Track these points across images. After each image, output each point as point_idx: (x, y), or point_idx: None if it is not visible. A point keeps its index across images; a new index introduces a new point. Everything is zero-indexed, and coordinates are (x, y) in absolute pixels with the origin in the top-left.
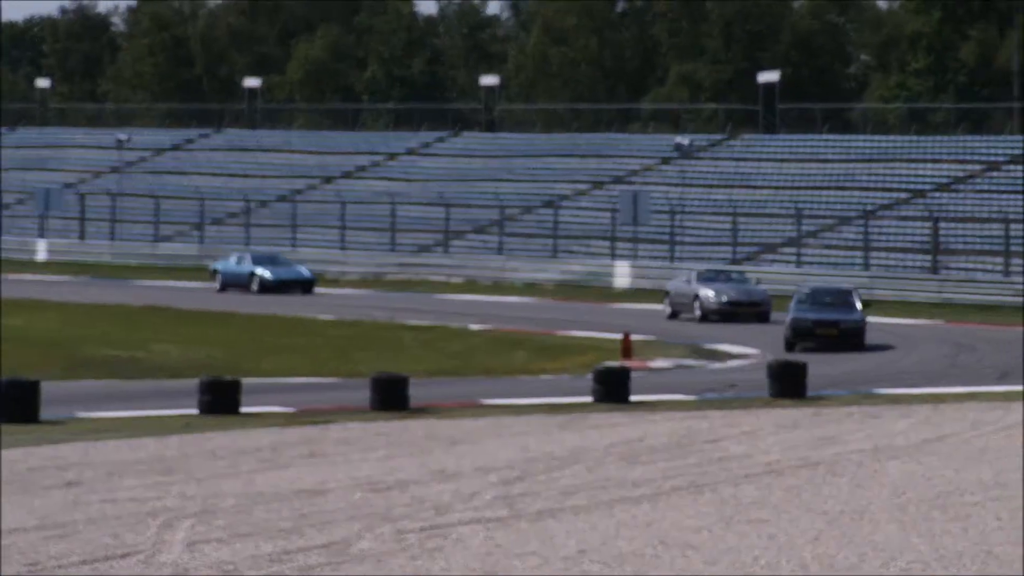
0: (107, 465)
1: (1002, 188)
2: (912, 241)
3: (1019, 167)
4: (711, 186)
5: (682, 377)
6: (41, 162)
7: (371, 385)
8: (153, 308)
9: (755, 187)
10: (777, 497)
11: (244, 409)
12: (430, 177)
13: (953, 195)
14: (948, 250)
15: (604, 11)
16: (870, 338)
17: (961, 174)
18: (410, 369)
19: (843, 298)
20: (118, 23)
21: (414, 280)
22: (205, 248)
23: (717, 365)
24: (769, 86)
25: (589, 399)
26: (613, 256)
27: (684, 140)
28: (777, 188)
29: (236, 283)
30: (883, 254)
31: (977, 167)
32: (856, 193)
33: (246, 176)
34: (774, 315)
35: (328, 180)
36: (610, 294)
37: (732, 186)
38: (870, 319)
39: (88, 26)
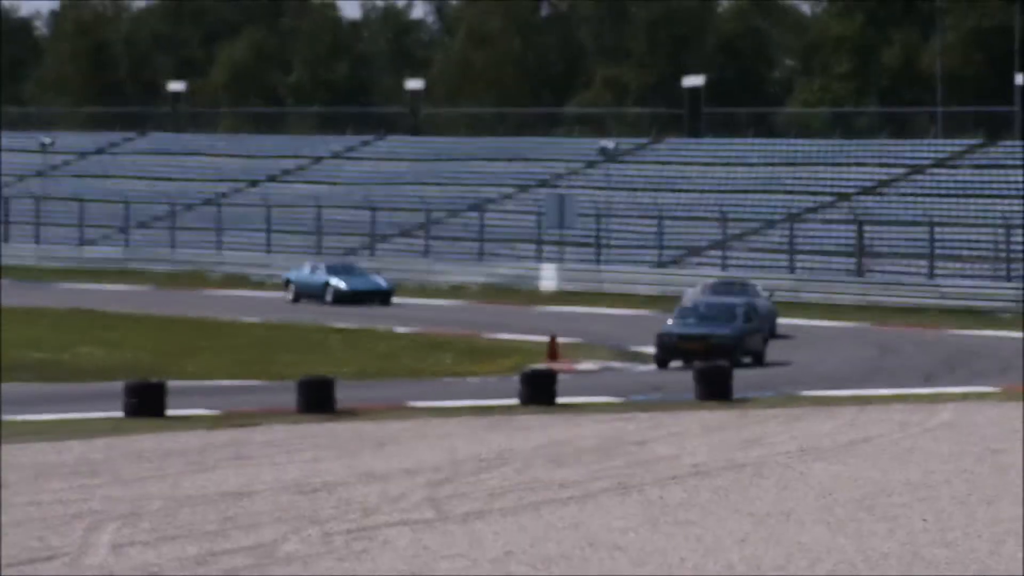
0: (32, 467)
1: (926, 191)
2: (837, 244)
3: (942, 170)
4: (636, 189)
5: (608, 379)
6: None
7: (297, 387)
8: (78, 311)
9: (680, 191)
10: (704, 498)
11: (170, 412)
12: (355, 180)
13: (877, 198)
14: (873, 253)
15: (528, 14)
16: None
17: (885, 177)
18: (336, 371)
19: (726, 310)
20: (41, 27)
21: None
22: (130, 251)
23: (643, 368)
24: (694, 90)
25: (516, 401)
26: (539, 259)
27: (609, 144)
28: (702, 191)
29: (310, 294)
30: (808, 257)
31: (901, 171)
32: (781, 196)
33: (171, 179)
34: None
35: (253, 183)
36: (536, 297)
37: (657, 189)
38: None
39: (10, 29)
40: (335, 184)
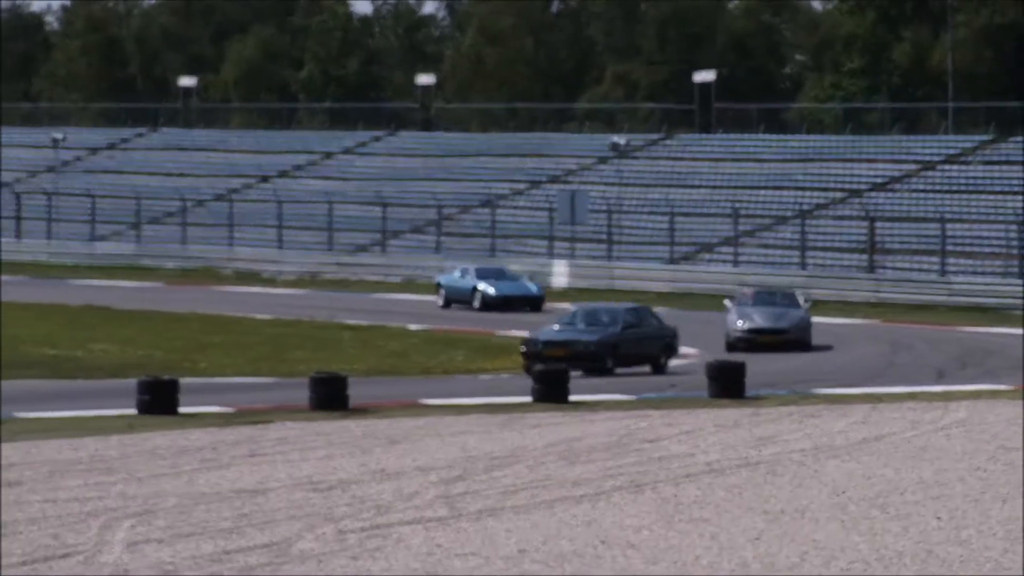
0: (47, 465)
1: (937, 188)
2: (848, 241)
3: (954, 167)
4: (648, 185)
5: (621, 377)
6: None
7: (310, 385)
8: (91, 308)
9: (691, 187)
10: (718, 496)
11: (183, 409)
12: (366, 176)
13: (889, 195)
14: (884, 249)
15: (539, 11)
16: None
17: (896, 174)
18: (349, 368)
19: (609, 316)
20: (52, 22)
21: (351, 280)
22: (142, 247)
23: None
24: (705, 86)
25: (528, 399)
26: (551, 255)
27: (620, 140)
28: (714, 188)
29: (459, 299)
30: (820, 253)
31: (912, 167)
32: (792, 193)
33: (182, 175)
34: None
35: (264, 179)
36: (548, 293)
37: (669, 185)
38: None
39: (22, 25)
40: (346, 180)
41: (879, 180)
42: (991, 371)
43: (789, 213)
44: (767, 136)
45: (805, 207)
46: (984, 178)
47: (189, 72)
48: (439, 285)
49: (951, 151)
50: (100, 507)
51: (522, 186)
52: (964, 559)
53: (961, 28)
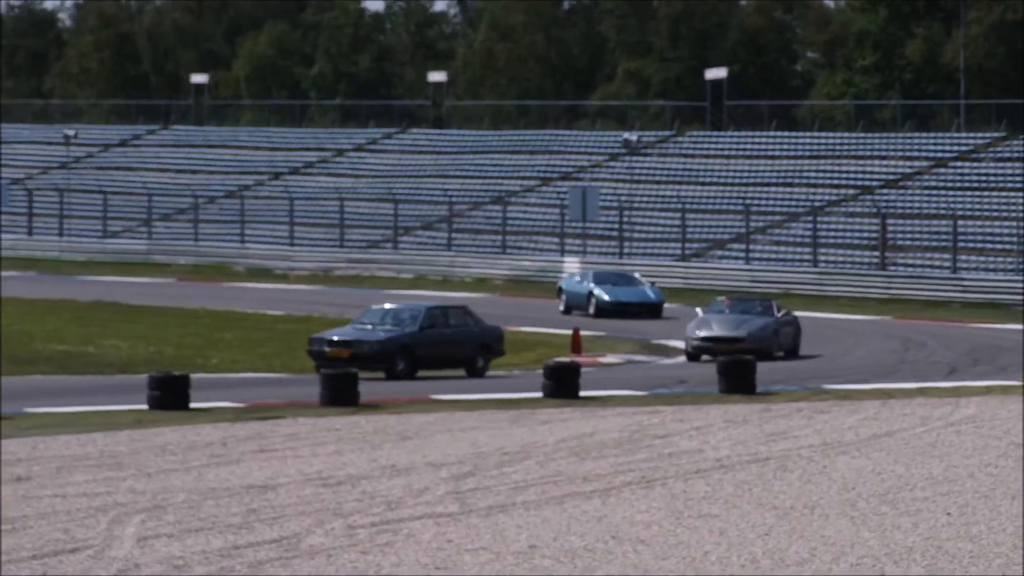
0: (57, 460)
1: (949, 185)
2: (860, 237)
3: (965, 164)
4: (659, 182)
5: (632, 372)
6: None
7: (321, 380)
8: (102, 304)
9: (703, 183)
10: (727, 492)
11: (193, 404)
12: (378, 173)
13: (900, 192)
14: (896, 246)
15: (550, 7)
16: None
17: (908, 171)
18: None
19: (408, 315)
20: (64, 19)
21: (363, 276)
22: (153, 244)
23: (667, 361)
24: (716, 83)
25: (539, 394)
26: (562, 252)
27: (632, 136)
28: (725, 184)
29: (578, 304)
30: (831, 250)
31: (924, 164)
32: (803, 190)
33: (194, 172)
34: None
35: (276, 176)
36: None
37: (680, 182)
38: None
39: (34, 22)
40: (358, 177)
41: (891, 177)
42: (1002, 367)
43: (800, 210)
44: (778, 133)
45: (816, 204)
46: (996, 175)
47: (201, 69)
48: (560, 290)
49: (963, 148)
50: (109, 502)
51: (533, 183)
52: (974, 555)
53: (973, 25)
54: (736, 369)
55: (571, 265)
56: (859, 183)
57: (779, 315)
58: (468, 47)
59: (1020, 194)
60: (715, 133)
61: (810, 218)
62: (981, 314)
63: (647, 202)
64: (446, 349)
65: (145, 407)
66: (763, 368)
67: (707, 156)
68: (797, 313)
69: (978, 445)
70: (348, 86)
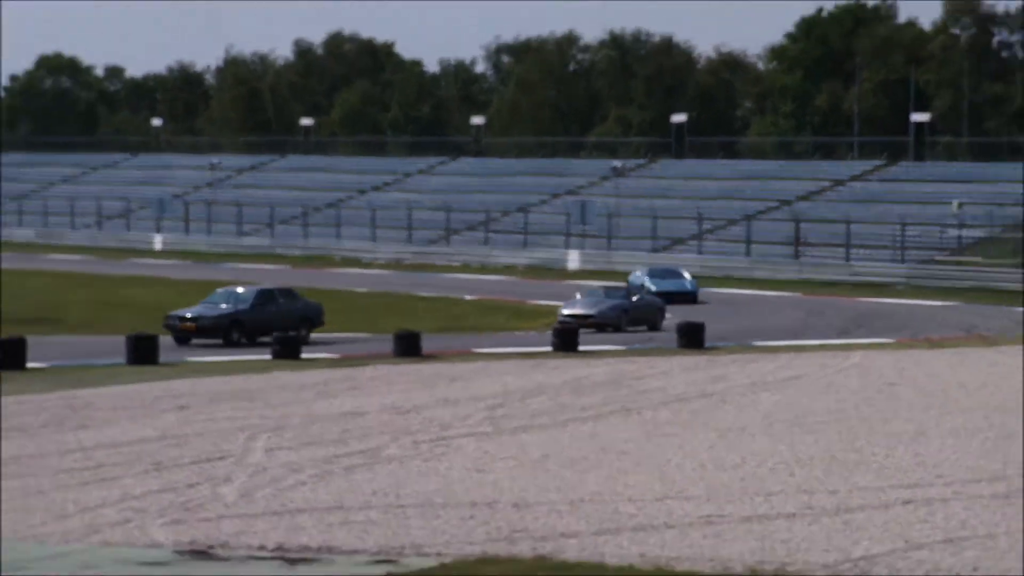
0: (208, 395)
1: (845, 199)
2: (780, 236)
3: (857, 183)
4: (638, 197)
5: (615, 335)
6: (156, 179)
7: (394, 339)
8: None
9: (669, 197)
10: (684, 418)
11: (304, 355)
12: (435, 190)
13: (810, 203)
14: (806, 242)
15: (560, 68)
16: (746, 310)
17: (816, 189)
18: (422, 327)
19: (255, 295)
20: (210, 78)
21: (425, 264)
22: (275, 240)
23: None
24: (679, 125)
25: (549, 349)
26: (567, 247)
27: (618, 163)
28: (685, 198)
29: (636, 293)
30: (760, 245)
31: (827, 183)
32: (741, 202)
33: (303, 189)
34: None
35: (362, 192)
36: (565, 274)
37: (653, 197)
38: (752, 292)
39: (188, 80)
40: (421, 192)
41: (803, 193)
42: (879, 330)
43: (738, 217)
44: (724, 161)
45: (749, 212)
46: (880, 192)
47: (308, 114)
48: (628, 282)
49: (855, 172)
50: (245, 424)
51: (547, 197)
52: (857, 462)
53: (865, 83)
54: (690, 331)
55: (574, 257)
56: (780, 197)
57: (634, 299)
58: (500, 98)
59: (896, 205)
60: (678, 161)
61: (745, 222)
62: (865, 292)
63: (629, 210)
64: (275, 321)
65: (270, 357)
66: (709, 331)
67: (672, 178)
68: (733, 291)
69: (861, 384)
70: (414, 127)
